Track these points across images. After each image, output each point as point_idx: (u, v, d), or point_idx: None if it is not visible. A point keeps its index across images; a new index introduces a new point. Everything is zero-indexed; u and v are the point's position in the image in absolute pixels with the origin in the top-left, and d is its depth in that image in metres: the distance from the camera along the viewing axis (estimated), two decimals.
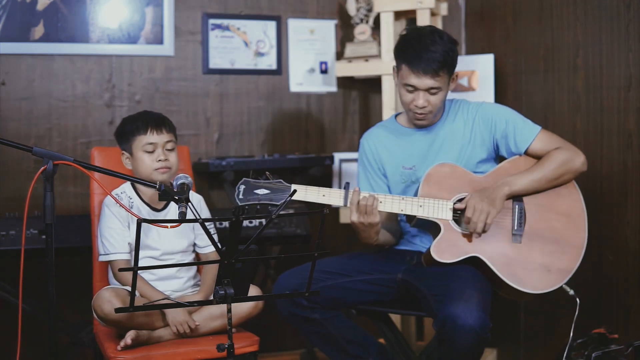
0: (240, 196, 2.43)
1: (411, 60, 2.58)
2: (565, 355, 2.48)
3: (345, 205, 2.51)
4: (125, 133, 2.62)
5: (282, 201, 2.43)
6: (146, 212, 2.62)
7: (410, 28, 2.72)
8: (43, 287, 1.99)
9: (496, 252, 2.54)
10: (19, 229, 2.98)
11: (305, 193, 2.50)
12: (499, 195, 2.54)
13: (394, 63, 2.71)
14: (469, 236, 2.55)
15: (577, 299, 2.52)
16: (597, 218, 2.95)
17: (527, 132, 2.66)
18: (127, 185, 2.65)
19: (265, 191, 2.44)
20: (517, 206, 2.59)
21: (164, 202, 2.64)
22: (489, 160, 2.73)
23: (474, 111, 2.73)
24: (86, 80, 3.51)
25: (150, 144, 2.57)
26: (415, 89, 2.61)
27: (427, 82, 2.58)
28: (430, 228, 2.62)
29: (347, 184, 2.54)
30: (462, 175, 2.63)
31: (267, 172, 2.45)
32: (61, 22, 3.44)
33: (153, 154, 2.57)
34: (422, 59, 2.56)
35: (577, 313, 2.53)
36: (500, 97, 3.54)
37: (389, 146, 2.80)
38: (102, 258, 2.59)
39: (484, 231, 2.52)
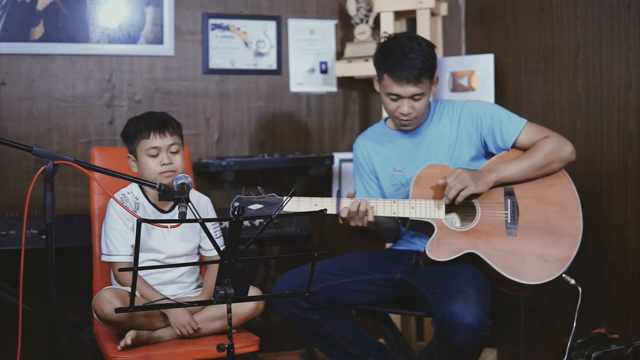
0: (235, 213, 2.45)
1: (393, 70, 2.60)
2: (565, 355, 2.48)
3: (337, 212, 2.53)
4: (129, 136, 2.59)
5: (282, 201, 2.45)
6: (152, 213, 2.61)
7: (388, 36, 2.73)
8: (43, 287, 1.99)
9: (492, 247, 2.55)
10: (19, 229, 2.98)
11: (298, 203, 2.52)
12: (485, 179, 2.56)
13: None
14: (463, 233, 2.56)
15: (579, 288, 2.52)
16: (597, 218, 2.95)
17: (513, 126, 2.67)
18: (134, 186, 2.62)
19: (259, 206, 2.46)
20: (509, 200, 2.60)
21: (171, 204, 2.62)
22: (478, 157, 2.74)
23: (459, 110, 2.75)
24: (86, 80, 3.51)
25: (154, 147, 2.54)
26: (398, 97, 2.63)
27: (410, 89, 2.60)
28: (425, 229, 2.63)
29: (339, 191, 2.57)
30: None
31: (259, 187, 2.47)
32: (61, 22, 3.44)
33: (157, 158, 2.54)
34: (404, 67, 2.58)
35: (579, 303, 2.53)
36: (500, 97, 3.54)
37: (379, 150, 2.82)
38: (104, 258, 2.59)
39: (454, 203, 2.53)
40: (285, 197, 2.47)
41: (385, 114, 3.46)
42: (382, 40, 2.73)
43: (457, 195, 2.52)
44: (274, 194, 2.49)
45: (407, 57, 2.58)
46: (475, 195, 2.57)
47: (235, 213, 1.90)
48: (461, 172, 2.54)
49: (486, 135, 2.71)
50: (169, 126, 2.59)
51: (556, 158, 2.62)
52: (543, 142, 2.63)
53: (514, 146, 2.67)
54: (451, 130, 2.74)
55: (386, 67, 2.63)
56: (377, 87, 2.74)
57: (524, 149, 2.66)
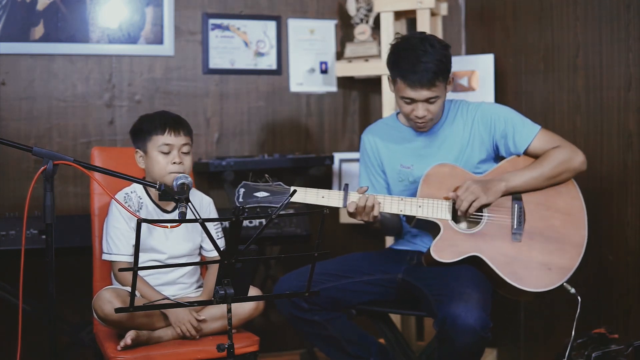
0: (240, 199, 2.44)
1: (405, 75, 2.57)
2: (565, 355, 2.48)
3: (344, 206, 2.52)
4: (142, 131, 2.58)
5: (283, 201, 2.44)
6: (155, 212, 2.60)
7: (400, 38, 2.70)
8: (43, 287, 1.99)
9: (496, 251, 2.54)
10: (19, 229, 2.98)
11: (305, 195, 2.50)
12: (494, 188, 2.55)
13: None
14: (468, 236, 2.55)
15: (579, 298, 2.52)
16: (597, 218, 2.95)
17: (527, 132, 2.66)
18: (137, 185, 2.61)
19: (265, 194, 2.45)
20: (516, 205, 2.59)
21: (174, 204, 2.62)
22: (488, 160, 2.73)
23: (474, 112, 2.73)
24: (86, 80, 3.51)
25: (167, 144, 2.53)
26: (413, 100, 2.60)
27: (424, 93, 2.57)
28: (430, 228, 2.62)
29: (346, 185, 2.54)
30: (461, 175, 2.63)
31: (266, 175, 2.46)
32: (61, 22, 3.44)
33: (168, 156, 2.53)
34: (417, 72, 2.54)
35: (578, 312, 2.53)
36: (500, 97, 3.54)
37: (388, 144, 2.81)
38: (105, 257, 2.58)
39: (467, 214, 2.52)
40: (291, 188, 2.45)
41: (385, 113, 3.47)
42: (395, 41, 2.69)
43: (469, 207, 2.51)
44: (280, 183, 2.47)
45: (420, 61, 2.54)
46: (485, 205, 2.56)
47: (235, 213, 1.90)
48: (471, 183, 2.53)
49: (499, 140, 2.69)
50: (184, 126, 2.59)
51: (566, 169, 2.62)
52: (554, 152, 2.62)
53: (525, 152, 2.66)
54: (464, 132, 2.72)
55: (399, 71, 2.59)
56: (390, 88, 2.70)
57: (535, 156, 2.65)
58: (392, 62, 2.64)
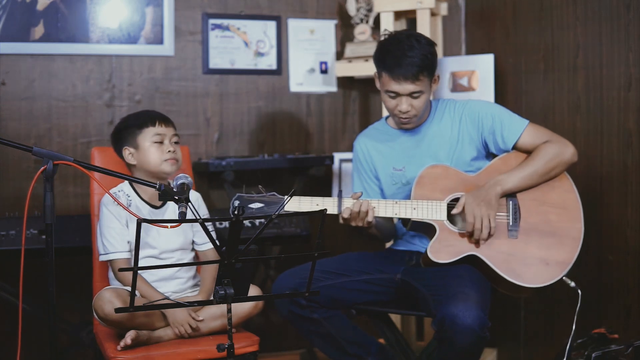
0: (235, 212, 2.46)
1: (391, 68, 2.61)
2: (565, 355, 2.48)
3: (338, 212, 2.53)
4: (130, 127, 2.64)
5: (279, 206, 2.45)
6: (145, 210, 2.62)
7: (388, 34, 2.73)
8: (43, 287, 1.99)
9: (493, 249, 2.55)
10: (19, 229, 2.98)
11: (299, 203, 2.52)
12: (492, 196, 2.55)
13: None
14: (464, 235, 2.56)
15: (579, 291, 2.52)
16: (597, 218, 2.95)
17: (514, 127, 2.67)
18: (125, 184, 2.65)
19: (260, 205, 2.47)
20: (510, 202, 2.60)
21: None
22: (479, 157, 2.74)
23: (461, 110, 2.75)
24: (86, 80, 3.51)
25: (159, 134, 2.61)
26: (397, 94, 2.63)
27: (408, 87, 2.60)
28: (426, 230, 2.63)
29: (340, 191, 2.57)
30: (454, 175, 2.64)
31: (260, 186, 2.48)
32: (61, 22, 3.44)
33: (162, 146, 2.61)
34: (402, 65, 2.58)
35: (579, 305, 2.53)
36: (500, 97, 3.54)
37: (379, 148, 2.82)
38: (102, 258, 2.59)
39: (490, 235, 2.53)
40: (285, 197, 2.47)
41: (385, 112, 3.47)
42: (382, 38, 2.73)
43: (490, 230, 2.52)
44: (274, 193, 2.49)
45: (405, 55, 2.58)
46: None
47: (235, 213, 1.90)
48: (474, 208, 2.52)
49: (487, 136, 2.70)
50: (170, 120, 2.69)
51: (558, 163, 2.62)
52: (544, 148, 2.62)
53: (514, 147, 2.67)
54: (452, 130, 2.74)
55: (384, 64, 2.64)
56: (377, 84, 2.74)
57: (525, 151, 2.66)
58: (378, 57, 2.68)
